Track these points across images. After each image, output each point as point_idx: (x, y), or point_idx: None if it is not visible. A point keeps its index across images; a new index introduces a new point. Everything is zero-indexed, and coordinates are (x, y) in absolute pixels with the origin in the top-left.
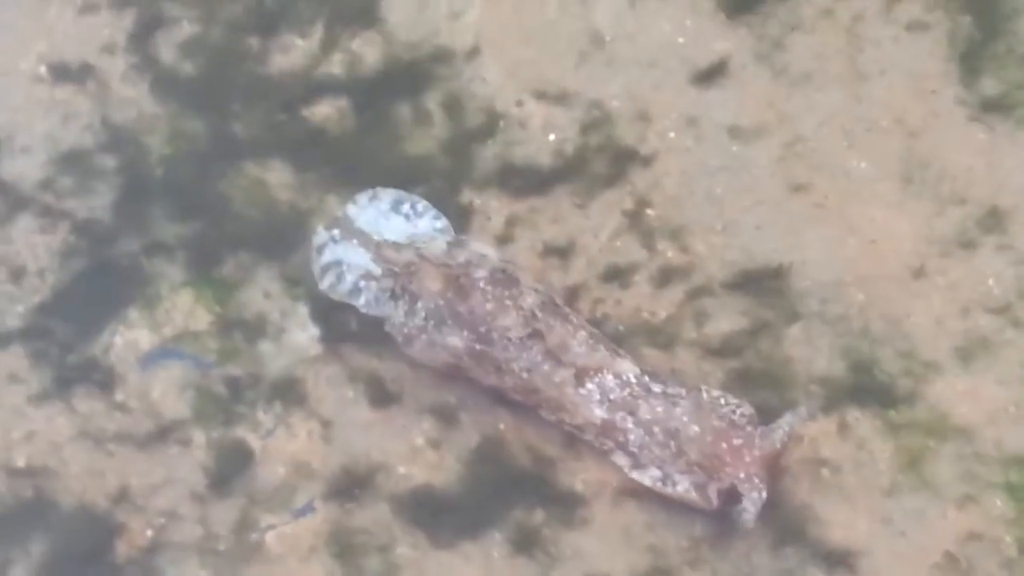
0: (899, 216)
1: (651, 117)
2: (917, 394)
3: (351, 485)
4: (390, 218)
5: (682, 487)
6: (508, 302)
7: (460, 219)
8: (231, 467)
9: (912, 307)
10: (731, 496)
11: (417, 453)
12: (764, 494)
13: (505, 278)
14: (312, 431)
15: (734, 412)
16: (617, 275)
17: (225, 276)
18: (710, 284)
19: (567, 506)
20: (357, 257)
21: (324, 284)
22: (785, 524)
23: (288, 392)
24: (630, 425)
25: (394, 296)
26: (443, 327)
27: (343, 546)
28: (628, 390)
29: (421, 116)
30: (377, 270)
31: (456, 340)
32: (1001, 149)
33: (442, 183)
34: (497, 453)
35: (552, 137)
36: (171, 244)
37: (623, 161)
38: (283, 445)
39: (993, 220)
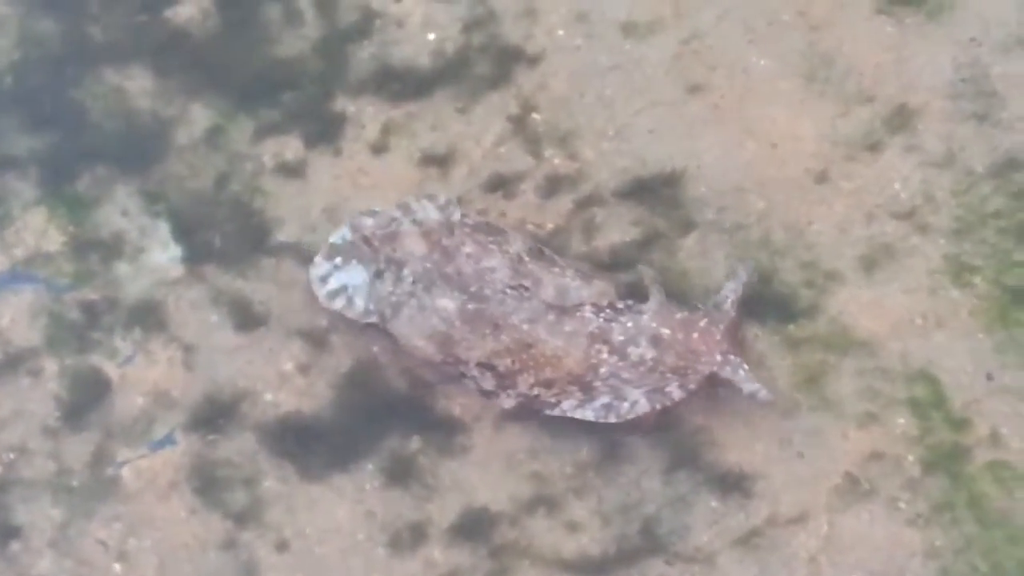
0: (801, 117)
1: (538, 13)
2: (818, 307)
3: (214, 415)
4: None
5: (675, 394)
6: (492, 246)
7: (332, 128)
8: (86, 398)
9: (814, 214)
10: (706, 382)
11: (285, 379)
12: (746, 365)
13: (488, 227)
14: (173, 358)
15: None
16: (501, 185)
17: (80, 193)
18: (600, 193)
19: (445, 433)
20: (357, 276)
21: (336, 306)
22: (677, 448)
23: (147, 316)
24: (604, 355)
25: (379, 274)
26: (433, 289)
27: (205, 480)
28: (603, 315)
29: (291, 15)
30: (364, 268)
31: (447, 301)
32: (910, 44)
33: (314, 88)
34: (370, 378)
35: (432, 36)
36: (22, 158)
37: (508, 61)
38: (142, 373)
39: (901, 119)
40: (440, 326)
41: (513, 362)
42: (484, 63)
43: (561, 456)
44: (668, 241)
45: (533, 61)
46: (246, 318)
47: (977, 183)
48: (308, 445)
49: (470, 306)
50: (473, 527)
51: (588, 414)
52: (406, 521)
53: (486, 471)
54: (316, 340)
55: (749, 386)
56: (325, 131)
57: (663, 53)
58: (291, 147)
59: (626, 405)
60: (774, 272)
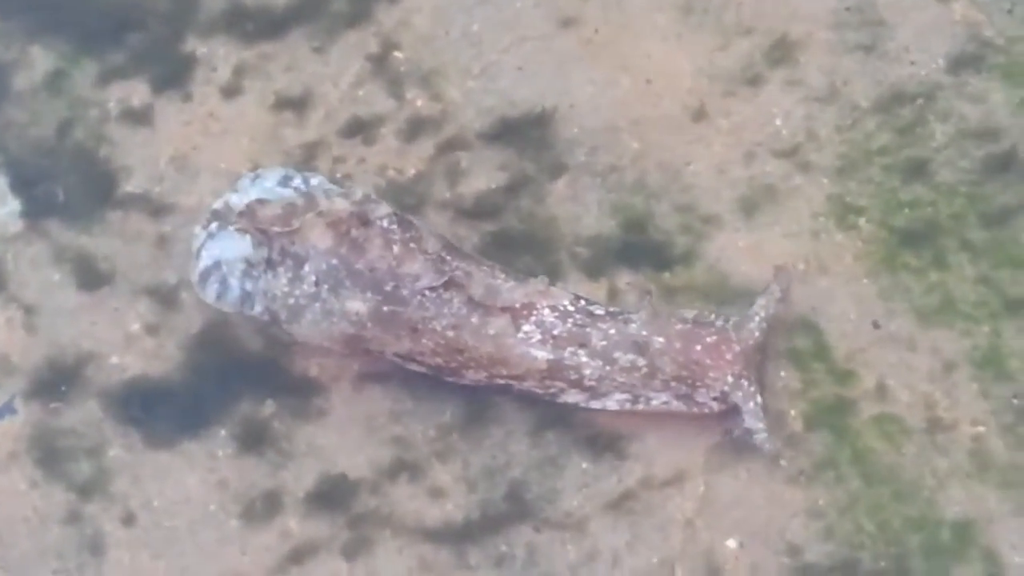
0: (677, 51)
1: None
2: (695, 253)
3: (57, 380)
4: (276, 194)
5: (660, 400)
6: (412, 245)
7: (181, 71)
8: None
9: (692, 154)
10: (724, 400)
11: (132, 340)
12: (760, 398)
13: (402, 220)
14: (12, 319)
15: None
16: (360, 128)
17: None
18: (465, 135)
19: (301, 396)
20: (235, 248)
21: (210, 295)
22: (546, 407)
23: None
24: (584, 359)
25: (271, 264)
26: (340, 290)
27: (47, 450)
28: (571, 321)
29: None
30: (253, 251)
31: (358, 304)
32: None
33: (162, 29)
34: (222, 337)
35: None
36: None
37: None
38: None
39: (781, 52)
40: (349, 329)
41: (446, 362)
42: None
43: (424, 419)
44: (537, 186)
45: None
46: (90, 276)
47: (862, 118)
48: (156, 411)
49: (385, 308)
50: (331, 495)
51: (611, 405)
52: (260, 490)
53: (345, 436)
54: (165, 298)
55: (753, 422)
56: (174, 74)
57: None
58: (138, 92)
59: (657, 403)
60: (649, 218)
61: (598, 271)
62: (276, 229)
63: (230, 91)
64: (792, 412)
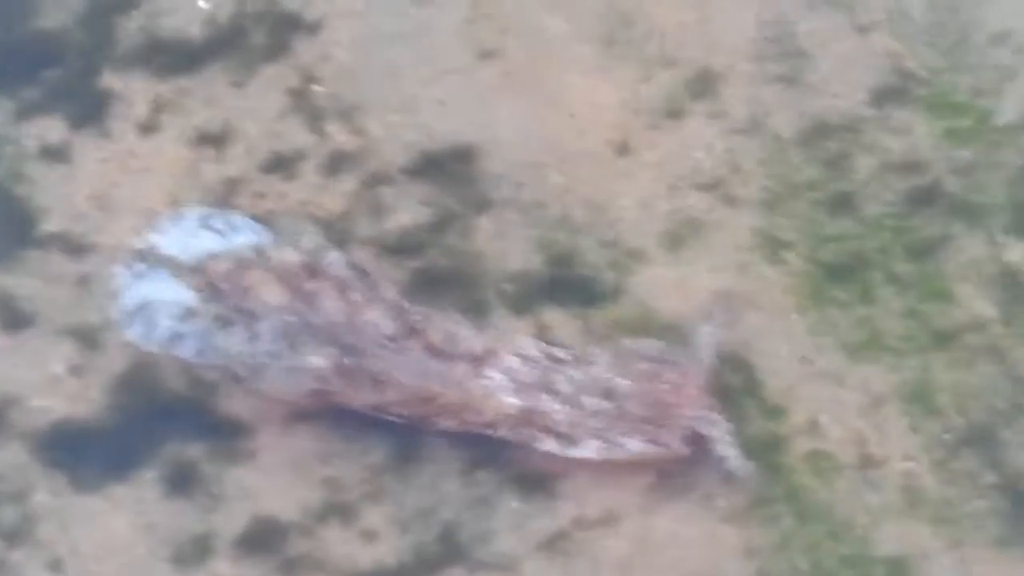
0: (601, 83)
1: None
2: (622, 288)
3: None
4: (200, 236)
5: (634, 446)
6: (369, 292)
7: (99, 107)
8: None
9: (616, 188)
10: (693, 439)
11: (55, 382)
12: (727, 423)
13: (355, 266)
14: None
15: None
16: (281, 164)
17: None
18: (387, 171)
19: (229, 437)
20: (169, 292)
21: (134, 334)
22: (477, 446)
23: None
24: (555, 405)
25: (224, 322)
26: (299, 347)
27: None
28: (536, 367)
29: None
30: (197, 301)
31: (318, 360)
32: (713, 2)
33: (79, 63)
34: (147, 378)
35: (203, 4)
36: None
37: (286, 30)
38: None
39: (704, 84)
40: (313, 384)
41: (415, 413)
42: (260, 32)
43: (354, 459)
44: (462, 221)
45: (313, 29)
46: (11, 317)
47: (786, 150)
48: (82, 453)
49: (346, 360)
50: (262, 538)
51: (588, 454)
52: (190, 533)
53: (274, 477)
54: (87, 339)
55: (726, 450)
56: (91, 110)
57: (452, 16)
58: (55, 128)
59: (631, 448)
60: (575, 253)
61: (525, 307)
62: (226, 286)
63: (148, 127)
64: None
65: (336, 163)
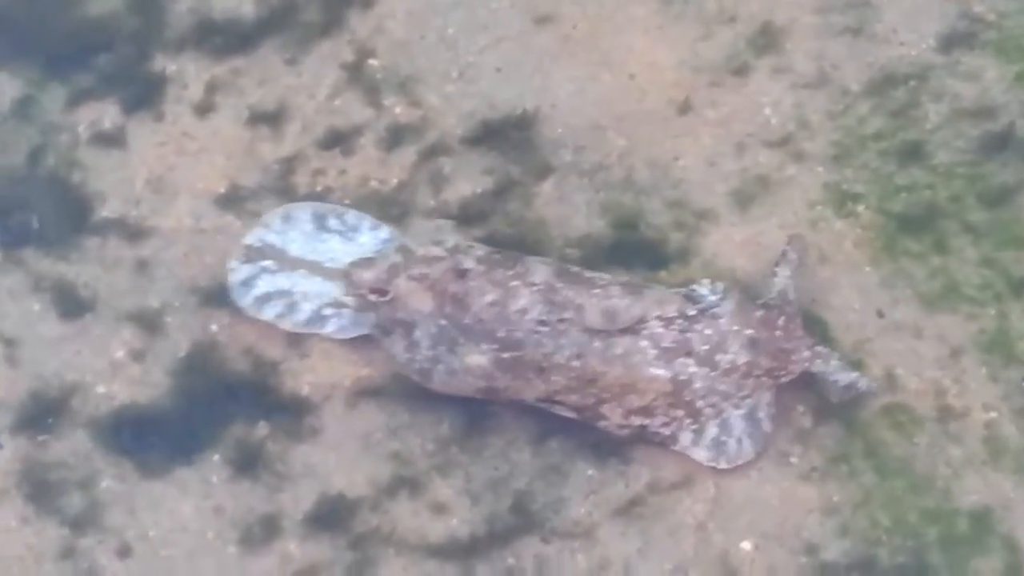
0: (659, 43)
1: None
2: (691, 249)
3: (43, 413)
4: (323, 239)
5: (734, 446)
6: (515, 282)
7: (152, 91)
8: None
9: (680, 148)
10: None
11: (118, 368)
12: (836, 354)
13: (501, 258)
14: None
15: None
16: (339, 140)
17: None
18: (447, 141)
19: (294, 415)
20: (315, 286)
21: (267, 314)
22: (546, 413)
23: None
24: (693, 368)
25: (385, 332)
26: (457, 349)
27: (37, 485)
28: (674, 327)
29: None
30: (349, 300)
31: (478, 358)
32: None
33: (129, 48)
34: (209, 360)
35: None
36: None
37: (339, 4)
38: None
39: (766, 39)
40: (479, 383)
41: (582, 397)
42: (313, 9)
43: (421, 432)
44: (524, 188)
45: (367, 3)
46: (71, 305)
47: (854, 103)
48: (147, 439)
49: (505, 355)
50: (331, 516)
51: (701, 454)
52: (258, 514)
53: (341, 454)
54: (148, 323)
55: (846, 377)
56: (144, 94)
57: None
58: (108, 114)
59: (733, 444)
60: (640, 216)
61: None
62: (373, 299)
63: (203, 108)
64: (800, 407)
65: (395, 136)
